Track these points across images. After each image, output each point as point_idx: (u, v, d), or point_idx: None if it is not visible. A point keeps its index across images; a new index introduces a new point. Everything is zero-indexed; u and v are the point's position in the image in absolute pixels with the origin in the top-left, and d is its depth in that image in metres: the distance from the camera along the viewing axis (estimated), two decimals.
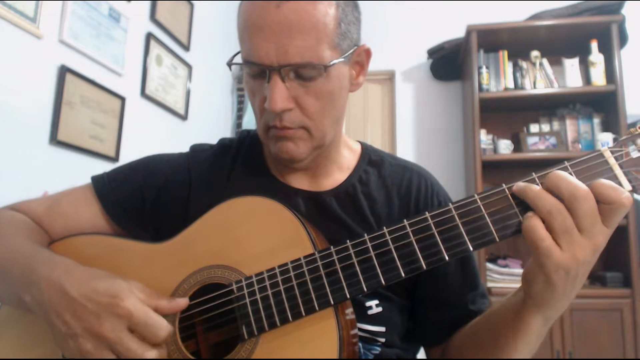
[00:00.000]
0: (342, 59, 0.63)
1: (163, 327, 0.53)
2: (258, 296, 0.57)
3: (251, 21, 0.60)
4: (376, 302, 0.67)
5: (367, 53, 0.70)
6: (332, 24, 0.60)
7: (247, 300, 0.57)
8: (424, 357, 0.76)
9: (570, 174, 0.50)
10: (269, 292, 0.56)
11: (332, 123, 0.68)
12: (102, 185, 0.76)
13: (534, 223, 0.49)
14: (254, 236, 0.61)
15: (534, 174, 0.52)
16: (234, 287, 0.58)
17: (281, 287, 0.56)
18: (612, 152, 0.51)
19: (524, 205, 0.51)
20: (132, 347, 0.51)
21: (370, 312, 0.67)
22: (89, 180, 0.79)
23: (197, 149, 0.81)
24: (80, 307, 0.53)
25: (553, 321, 0.57)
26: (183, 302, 0.57)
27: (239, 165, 0.77)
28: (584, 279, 0.52)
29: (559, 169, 0.50)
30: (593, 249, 0.48)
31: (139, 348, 0.52)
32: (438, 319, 0.71)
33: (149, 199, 0.75)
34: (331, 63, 0.61)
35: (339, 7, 0.62)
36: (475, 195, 0.53)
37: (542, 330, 0.56)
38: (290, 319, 0.55)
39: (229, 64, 0.67)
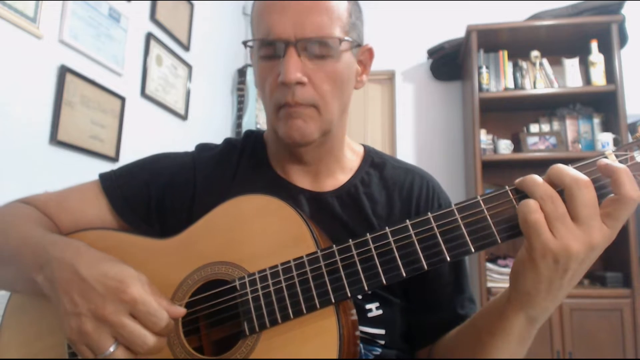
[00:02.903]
0: (352, 42, 0.68)
1: (164, 318, 0.53)
2: (260, 293, 0.57)
3: (270, 3, 0.65)
4: (376, 304, 0.67)
5: (370, 53, 0.74)
6: (344, 12, 0.66)
7: (250, 296, 0.57)
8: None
9: None
10: (271, 289, 0.57)
11: (339, 109, 0.69)
12: (110, 182, 0.77)
13: (526, 201, 0.48)
14: (258, 234, 0.61)
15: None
16: (237, 283, 0.59)
17: (283, 285, 0.56)
18: (616, 156, 0.50)
19: None
20: (132, 332, 0.52)
21: (370, 314, 0.67)
22: (89, 180, 0.79)
23: (203, 148, 0.82)
24: (88, 288, 0.54)
25: (538, 325, 0.55)
26: (181, 310, 0.57)
27: (243, 165, 0.77)
28: (574, 282, 0.50)
29: None
30: (588, 244, 0.46)
31: (139, 333, 0.52)
32: (428, 321, 0.71)
33: (155, 196, 0.75)
34: (345, 38, 0.65)
35: (349, 2, 0.68)
36: (478, 197, 0.53)
37: (525, 333, 0.55)
38: (292, 316, 0.55)
39: (245, 42, 0.68)
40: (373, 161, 0.79)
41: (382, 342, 0.67)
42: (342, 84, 0.68)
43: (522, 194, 0.51)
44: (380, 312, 0.67)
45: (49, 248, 0.60)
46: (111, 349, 0.52)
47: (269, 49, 0.66)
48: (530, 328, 0.55)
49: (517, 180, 0.51)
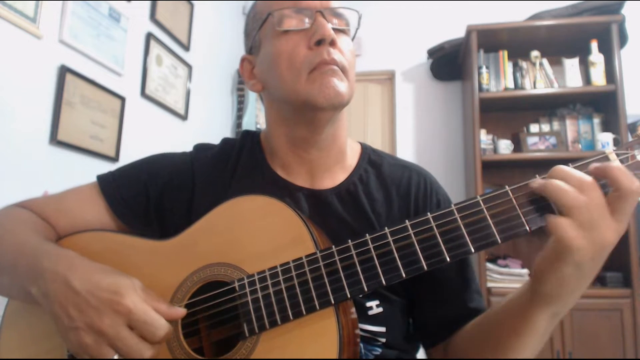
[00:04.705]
0: (357, 29, 0.74)
1: (162, 326, 0.53)
2: (260, 294, 0.57)
3: None
4: (377, 302, 0.67)
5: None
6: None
7: (249, 298, 0.57)
8: (423, 357, 0.76)
9: None
10: (271, 290, 0.57)
11: (354, 86, 0.72)
12: (108, 184, 0.77)
13: (560, 219, 0.47)
14: (257, 235, 0.61)
15: (537, 176, 0.51)
16: (236, 284, 0.59)
17: (282, 286, 0.56)
18: (617, 155, 0.50)
19: (527, 206, 0.51)
20: (130, 344, 0.52)
21: (370, 312, 0.67)
22: (89, 180, 0.79)
23: (200, 148, 0.81)
24: (82, 301, 0.54)
25: (561, 317, 0.56)
26: (181, 311, 0.58)
27: (241, 164, 0.77)
28: (593, 276, 0.51)
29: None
30: (602, 244, 0.47)
31: (137, 345, 0.52)
32: (437, 317, 0.71)
33: (154, 197, 0.75)
34: (360, 13, 0.73)
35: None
36: (478, 197, 0.53)
37: (549, 327, 0.56)
38: (291, 317, 0.55)
39: (271, 11, 0.70)
40: (370, 158, 0.79)
41: (383, 340, 0.67)
42: (354, 62, 0.72)
43: (521, 194, 0.51)
44: (380, 309, 0.67)
45: (42, 259, 0.60)
46: (115, 357, 0.52)
47: (293, 20, 0.68)
48: (554, 322, 0.56)
49: (537, 185, 0.50)
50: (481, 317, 0.66)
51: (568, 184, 0.47)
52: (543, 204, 0.50)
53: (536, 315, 0.54)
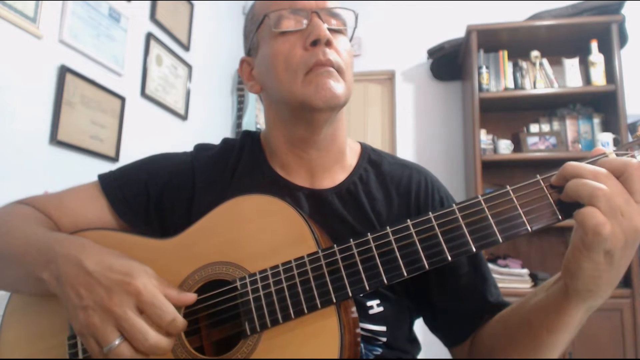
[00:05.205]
0: (354, 29, 0.74)
1: (169, 311, 0.53)
2: (261, 293, 0.57)
3: None
4: (377, 301, 0.68)
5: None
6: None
7: (251, 296, 0.58)
8: (424, 357, 0.76)
9: None
10: (272, 289, 0.57)
11: (352, 87, 0.72)
12: (109, 183, 0.77)
13: (586, 208, 0.47)
14: (259, 234, 0.61)
15: (538, 175, 0.52)
16: (238, 283, 0.59)
17: (284, 285, 0.57)
18: (617, 155, 0.50)
19: (528, 207, 0.51)
20: (136, 325, 0.52)
21: (371, 311, 0.67)
22: (89, 180, 0.80)
23: (201, 148, 0.82)
24: (94, 281, 0.54)
25: (595, 309, 0.55)
26: (191, 296, 0.58)
27: (242, 164, 0.78)
28: (625, 267, 0.50)
29: None
30: (634, 230, 0.46)
31: (143, 327, 0.52)
32: (459, 313, 0.70)
33: (154, 196, 0.76)
34: (357, 13, 0.73)
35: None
36: (479, 197, 0.53)
37: (584, 320, 0.56)
38: (293, 316, 0.55)
39: (268, 13, 0.70)
40: (370, 158, 0.79)
41: (384, 340, 0.67)
42: (351, 62, 0.72)
43: (522, 193, 0.51)
44: (381, 309, 0.68)
45: (54, 245, 0.60)
46: (116, 342, 0.52)
47: (289, 21, 0.68)
48: (588, 314, 0.56)
49: (555, 179, 0.50)
50: (506, 314, 0.66)
51: (583, 177, 0.47)
52: (544, 204, 0.51)
53: (571, 311, 0.54)
